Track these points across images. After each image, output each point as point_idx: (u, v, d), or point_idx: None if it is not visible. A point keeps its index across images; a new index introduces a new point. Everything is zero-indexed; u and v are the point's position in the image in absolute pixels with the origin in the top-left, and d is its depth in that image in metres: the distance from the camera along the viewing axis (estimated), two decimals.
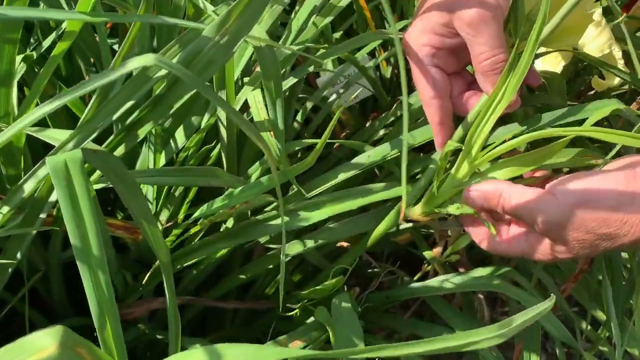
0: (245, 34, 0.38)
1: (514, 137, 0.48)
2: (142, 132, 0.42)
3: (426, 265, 0.68)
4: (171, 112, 0.58)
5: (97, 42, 0.69)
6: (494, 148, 0.46)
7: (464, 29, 0.47)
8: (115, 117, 0.38)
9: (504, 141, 0.47)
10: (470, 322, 0.66)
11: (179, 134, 0.60)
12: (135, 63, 0.31)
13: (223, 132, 0.57)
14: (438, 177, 0.49)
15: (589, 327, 0.79)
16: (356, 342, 0.49)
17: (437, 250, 0.64)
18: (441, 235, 0.64)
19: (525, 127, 0.52)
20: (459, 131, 0.51)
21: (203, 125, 0.59)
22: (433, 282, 0.60)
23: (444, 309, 0.67)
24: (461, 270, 0.78)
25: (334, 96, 0.73)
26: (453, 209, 0.49)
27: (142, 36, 0.53)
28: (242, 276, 0.65)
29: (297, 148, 0.59)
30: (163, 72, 0.38)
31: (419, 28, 0.50)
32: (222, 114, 0.54)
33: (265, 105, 0.52)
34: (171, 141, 0.60)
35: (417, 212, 0.52)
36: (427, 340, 0.30)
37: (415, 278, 0.69)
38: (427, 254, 0.66)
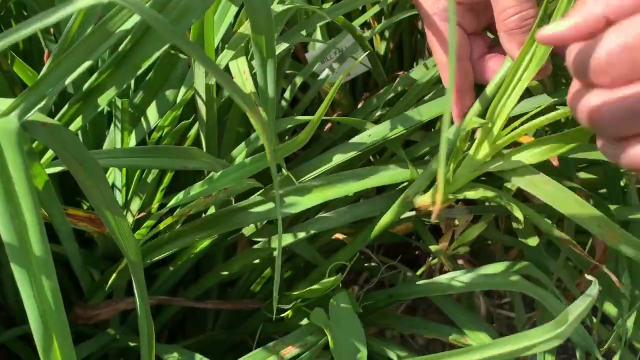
0: None
1: (539, 112, 0.41)
2: (102, 101, 0.34)
3: (430, 258, 0.62)
4: (142, 84, 0.50)
5: None
6: (522, 124, 0.40)
7: None
8: (69, 80, 0.30)
9: (533, 117, 0.40)
10: (473, 316, 0.60)
11: (151, 112, 0.52)
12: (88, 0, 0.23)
13: (202, 108, 0.49)
14: (455, 159, 0.43)
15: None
16: (359, 347, 0.43)
17: (444, 242, 0.57)
18: (447, 224, 0.58)
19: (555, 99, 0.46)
20: (477, 106, 0.44)
21: (179, 100, 0.51)
22: (443, 279, 0.54)
23: (448, 305, 0.61)
24: (460, 262, 0.71)
25: (324, 72, 0.66)
26: (473, 194, 0.42)
27: None
28: (225, 272, 0.58)
29: (287, 127, 0.52)
30: (129, 24, 0.30)
31: None
32: (200, 86, 0.47)
33: (252, 74, 0.45)
34: (142, 120, 0.53)
35: (428, 200, 0.45)
36: (476, 348, 0.24)
37: (419, 273, 0.63)
38: (433, 247, 0.59)
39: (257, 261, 0.58)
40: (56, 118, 0.35)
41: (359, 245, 0.52)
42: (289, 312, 0.50)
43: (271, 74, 0.35)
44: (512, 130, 0.40)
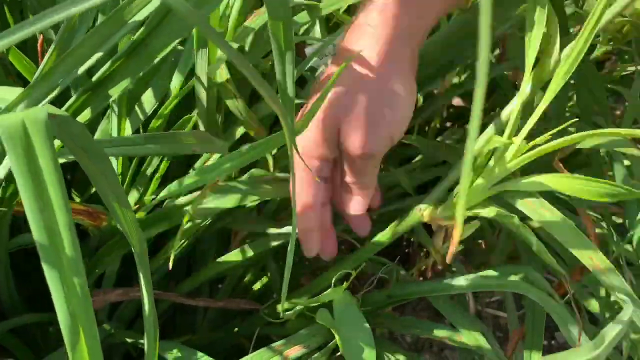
0: None
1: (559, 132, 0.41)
2: (114, 92, 0.33)
3: (423, 256, 0.62)
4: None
5: None
6: (543, 143, 0.39)
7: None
8: (81, 70, 0.29)
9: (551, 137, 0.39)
10: (467, 316, 0.60)
11: (147, 99, 0.51)
12: None
13: (202, 96, 0.48)
14: (475, 174, 0.42)
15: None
16: (366, 348, 0.43)
17: (439, 242, 0.57)
18: (438, 226, 0.57)
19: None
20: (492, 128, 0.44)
21: (174, 91, 0.50)
22: (446, 280, 0.54)
23: (443, 304, 0.60)
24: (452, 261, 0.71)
25: (322, 67, 0.66)
26: (486, 213, 0.42)
27: None
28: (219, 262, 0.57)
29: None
30: (145, 12, 0.30)
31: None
32: (203, 75, 0.46)
33: None
34: (137, 108, 0.51)
35: (441, 214, 0.45)
36: None
37: (411, 272, 0.63)
38: (430, 246, 0.59)
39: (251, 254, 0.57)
40: (64, 108, 0.34)
41: (366, 256, 0.52)
42: (291, 315, 0.49)
43: (290, 68, 0.34)
44: (530, 150, 0.40)
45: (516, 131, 0.41)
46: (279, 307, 0.52)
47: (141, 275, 0.35)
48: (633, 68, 0.75)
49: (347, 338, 0.42)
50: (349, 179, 0.46)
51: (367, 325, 0.44)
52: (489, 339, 0.57)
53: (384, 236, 0.50)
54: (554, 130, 0.39)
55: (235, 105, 0.47)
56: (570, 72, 0.37)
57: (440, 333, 0.57)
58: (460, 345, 0.56)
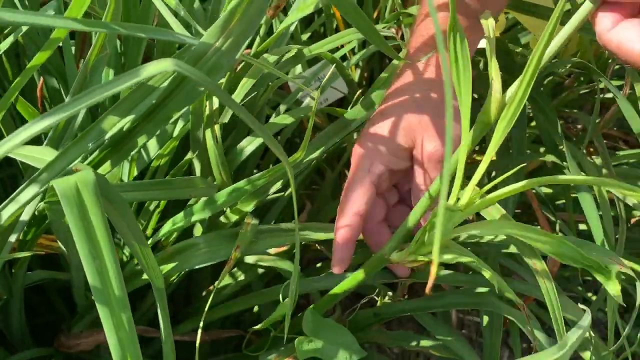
0: (249, 36, 0.35)
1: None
2: (131, 148, 0.38)
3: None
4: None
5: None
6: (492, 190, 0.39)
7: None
8: (108, 135, 0.33)
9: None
10: (446, 327, 0.64)
11: (151, 144, 0.55)
12: (153, 69, 0.27)
13: (199, 140, 0.53)
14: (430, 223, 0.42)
15: None
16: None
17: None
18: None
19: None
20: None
21: (176, 132, 0.55)
22: (430, 299, 0.58)
23: (424, 317, 0.65)
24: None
25: (307, 99, 0.71)
26: (448, 259, 0.43)
27: (110, 41, 0.48)
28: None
29: None
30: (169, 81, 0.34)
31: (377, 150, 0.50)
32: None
33: None
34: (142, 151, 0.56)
35: (403, 257, 0.46)
36: None
37: (397, 296, 0.67)
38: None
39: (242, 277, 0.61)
40: (87, 162, 0.38)
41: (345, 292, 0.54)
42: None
43: None
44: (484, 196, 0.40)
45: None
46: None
47: (160, 313, 0.38)
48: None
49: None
50: (420, 183, 0.50)
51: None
52: (467, 346, 0.62)
53: (356, 279, 0.52)
54: (497, 180, 0.39)
55: (213, 151, 0.51)
56: (516, 116, 0.37)
57: (424, 344, 0.62)
58: (441, 354, 0.61)
